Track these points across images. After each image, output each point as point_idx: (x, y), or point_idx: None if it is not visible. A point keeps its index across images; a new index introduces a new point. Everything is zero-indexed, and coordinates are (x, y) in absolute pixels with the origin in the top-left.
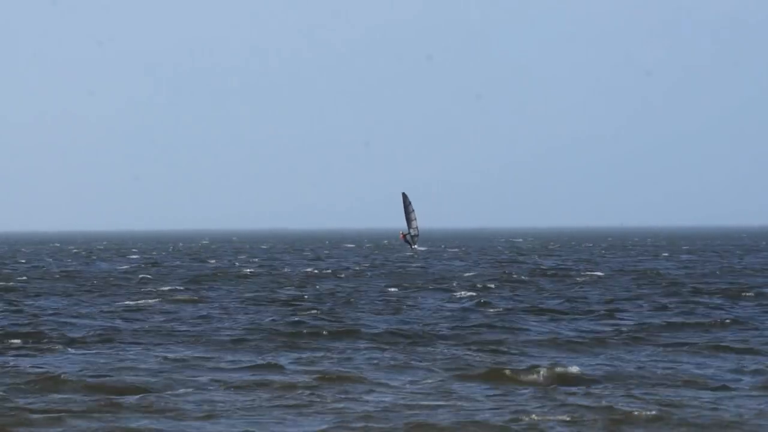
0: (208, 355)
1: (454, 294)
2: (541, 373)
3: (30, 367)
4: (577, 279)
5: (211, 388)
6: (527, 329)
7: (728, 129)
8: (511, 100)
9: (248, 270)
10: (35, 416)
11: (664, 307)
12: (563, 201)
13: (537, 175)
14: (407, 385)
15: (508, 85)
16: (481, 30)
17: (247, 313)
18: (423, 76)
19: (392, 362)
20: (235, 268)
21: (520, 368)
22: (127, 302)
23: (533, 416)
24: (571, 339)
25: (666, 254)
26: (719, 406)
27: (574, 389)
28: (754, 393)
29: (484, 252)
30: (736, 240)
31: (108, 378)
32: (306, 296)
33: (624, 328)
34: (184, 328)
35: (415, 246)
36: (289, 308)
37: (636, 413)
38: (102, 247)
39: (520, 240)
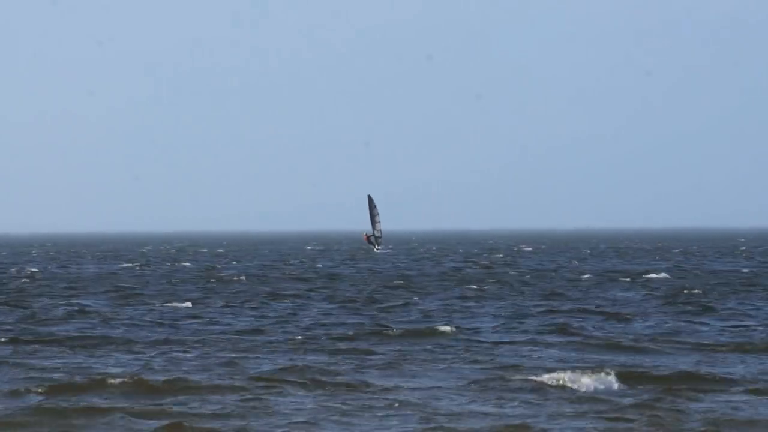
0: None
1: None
2: None
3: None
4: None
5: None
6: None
7: (728, 129)
8: (511, 100)
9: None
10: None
11: None
12: (563, 201)
13: (537, 175)
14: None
15: (508, 85)
16: (481, 30)
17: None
18: (423, 76)
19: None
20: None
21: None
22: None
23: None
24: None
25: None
26: None
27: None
28: None
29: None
30: None
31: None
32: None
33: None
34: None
35: (378, 247)
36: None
37: None
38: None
39: (491, 242)
